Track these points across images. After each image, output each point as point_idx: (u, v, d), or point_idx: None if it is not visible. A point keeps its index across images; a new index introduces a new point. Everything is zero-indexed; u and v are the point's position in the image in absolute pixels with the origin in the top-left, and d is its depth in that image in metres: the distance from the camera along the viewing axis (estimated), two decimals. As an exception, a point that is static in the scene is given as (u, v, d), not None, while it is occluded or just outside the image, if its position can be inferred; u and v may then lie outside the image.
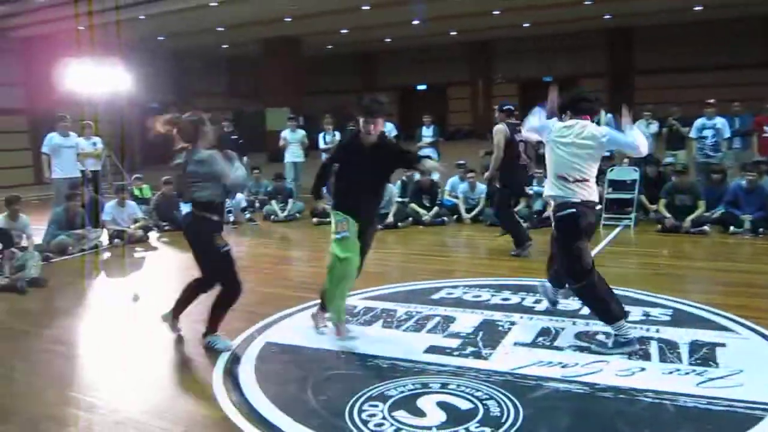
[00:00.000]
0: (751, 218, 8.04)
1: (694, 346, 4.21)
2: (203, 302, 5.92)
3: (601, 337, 4.44)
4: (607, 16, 22.86)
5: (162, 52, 24.80)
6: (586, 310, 5.02)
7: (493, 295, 5.59)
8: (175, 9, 16.80)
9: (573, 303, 5.20)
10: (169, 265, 8.04)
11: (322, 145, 12.05)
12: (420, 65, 31.57)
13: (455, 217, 9.83)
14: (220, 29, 20.85)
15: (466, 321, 4.92)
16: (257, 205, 11.33)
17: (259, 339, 4.72)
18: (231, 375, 4.07)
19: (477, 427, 3.25)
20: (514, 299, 5.45)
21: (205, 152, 4.46)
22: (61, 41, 18.18)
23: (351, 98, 31.49)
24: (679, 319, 4.80)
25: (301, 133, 12.15)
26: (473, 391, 3.65)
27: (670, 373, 3.83)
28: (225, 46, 25.32)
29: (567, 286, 4.67)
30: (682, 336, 4.41)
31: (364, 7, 17.88)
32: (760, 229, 7.95)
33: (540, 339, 4.49)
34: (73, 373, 4.43)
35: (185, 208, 8.41)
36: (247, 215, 10.56)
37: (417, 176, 9.98)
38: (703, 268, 6.98)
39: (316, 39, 24.29)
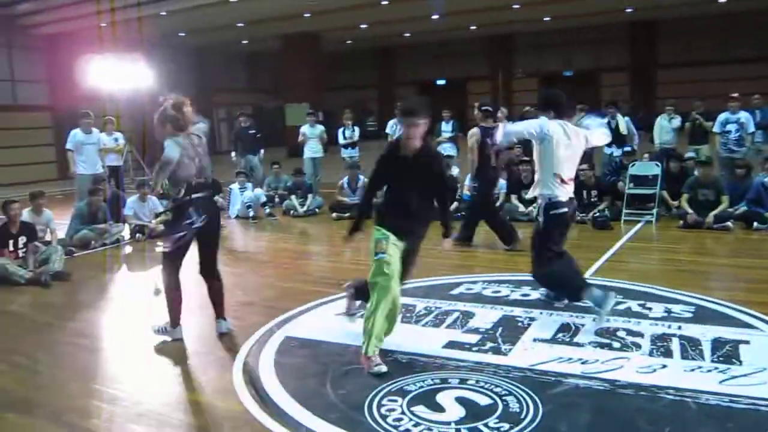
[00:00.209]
0: (775, 214, 7.91)
1: (717, 344, 4.16)
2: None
3: (621, 333, 4.41)
4: (629, 9, 22.59)
5: (183, 48, 25.00)
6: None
7: (512, 291, 5.56)
8: (195, 5, 16.90)
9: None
10: (189, 260, 8.09)
11: (341, 140, 12.07)
12: (439, 60, 31.47)
13: (474, 212, 9.78)
14: (240, 25, 20.95)
15: (486, 316, 4.90)
16: (277, 200, 11.37)
17: (278, 333, 4.75)
18: (251, 369, 4.11)
19: (496, 423, 3.24)
20: (534, 295, 5.42)
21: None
22: (84, 38, 18.41)
23: (370, 93, 31.64)
24: (702, 316, 4.74)
25: (320, 128, 12.17)
26: (492, 386, 3.64)
27: (692, 370, 3.79)
28: (245, 42, 25.44)
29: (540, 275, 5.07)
30: (705, 333, 4.35)
31: (383, 2, 17.87)
32: (785, 226, 7.83)
33: (560, 335, 4.46)
34: (96, 366, 4.49)
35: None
36: (267, 210, 10.61)
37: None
38: (726, 264, 6.89)
39: (335, 34, 24.32)
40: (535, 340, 4.39)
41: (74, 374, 4.27)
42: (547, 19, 23.83)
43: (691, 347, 4.13)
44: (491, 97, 30.40)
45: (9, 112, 18.74)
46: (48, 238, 7.56)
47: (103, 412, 3.68)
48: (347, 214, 10.10)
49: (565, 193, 4.82)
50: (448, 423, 3.26)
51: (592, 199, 9.03)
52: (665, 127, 10.75)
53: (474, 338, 4.45)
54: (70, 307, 6.07)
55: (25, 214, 7.47)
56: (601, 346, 4.22)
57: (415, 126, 3.97)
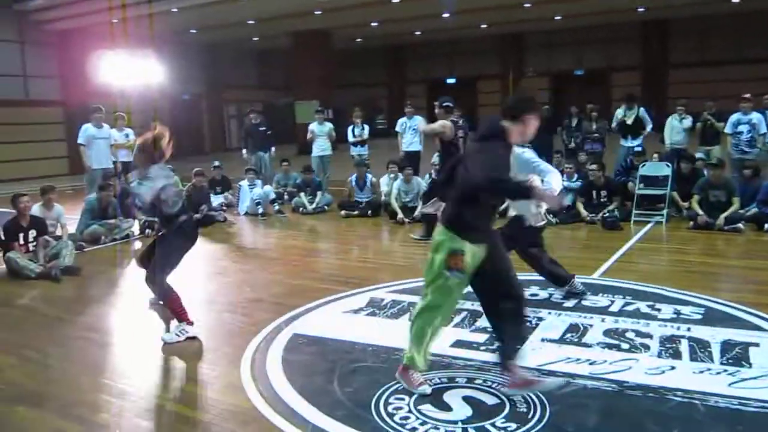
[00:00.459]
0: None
1: (726, 346, 4.14)
2: (228, 293, 6.01)
3: (630, 334, 4.39)
4: (641, 9, 22.45)
5: (194, 44, 25.08)
6: (615, 308, 4.98)
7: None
8: (206, 2, 16.94)
9: (602, 299, 5.17)
10: (198, 255, 8.13)
11: (351, 138, 12.07)
12: (450, 58, 31.43)
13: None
14: (250, 22, 20.97)
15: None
16: (286, 197, 11.40)
17: (286, 330, 4.76)
18: (258, 365, 4.12)
19: (503, 423, 3.24)
20: (542, 294, 5.41)
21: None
22: (96, 34, 18.51)
23: (380, 91, 31.58)
24: (711, 318, 4.71)
25: (329, 126, 12.18)
26: (500, 386, 3.64)
27: (701, 372, 3.77)
28: (256, 39, 25.47)
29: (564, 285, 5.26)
30: (714, 335, 4.33)
31: (394, 0, 17.82)
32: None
33: (568, 335, 4.45)
34: (105, 360, 4.52)
35: (216, 200, 8.73)
36: (276, 207, 10.64)
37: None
38: (736, 266, 6.85)
39: (346, 32, 24.31)
40: (543, 340, 4.38)
41: (84, 368, 4.30)
42: (559, 17, 23.71)
43: (700, 349, 4.11)
44: (501, 96, 30.42)
45: (21, 107, 18.86)
46: (59, 232, 7.61)
47: (112, 406, 3.70)
48: (356, 212, 10.12)
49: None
50: (455, 422, 3.27)
51: (602, 200, 8.99)
52: (676, 127, 10.69)
53: (482, 337, 4.44)
54: (81, 301, 6.11)
55: (36, 209, 7.52)
56: (610, 347, 4.21)
57: (526, 125, 3.47)
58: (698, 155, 9.86)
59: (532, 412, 3.33)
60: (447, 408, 3.41)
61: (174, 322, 4.74)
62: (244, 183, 10.92)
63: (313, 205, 10.71)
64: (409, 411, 3.39)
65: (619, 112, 10.94)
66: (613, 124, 11.14)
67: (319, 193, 10.91)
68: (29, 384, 4.06)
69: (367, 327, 4.80)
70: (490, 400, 3.48)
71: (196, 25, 21.53)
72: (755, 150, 9.59)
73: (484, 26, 25.78)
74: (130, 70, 15.31)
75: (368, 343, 4.43)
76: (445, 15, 21.22)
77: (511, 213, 5.23)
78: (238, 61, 27.98)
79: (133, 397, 3.79)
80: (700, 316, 4.76)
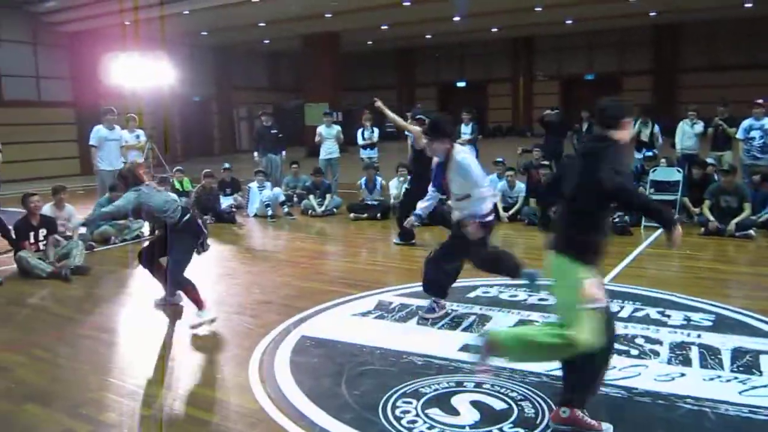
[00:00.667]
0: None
1: (737, 353, 4.10)
2: (237, 294, 6.02)
3: (640, 341, 4.37)
4: (653, 13, 22.37)
5: (204, 46, 25.20)
6: (624, 313, 4.96)
7: (530, 295, 5.53)
8: (218, 4, 17.01)
9: (611, 305, 5.13)
10: (208, 257, 8.15)
11: (360, 141, 12.07)
12: (460, 62, 31.44)
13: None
14: (261, 25, 21.05)
15: (502, 320, 4.89)
16: (295, 199, 11.41)
17: (294, 332, 4.77)
18: (266, 367, 4.12)
19: (511, 428, 3.23)
20: (552, 300, 5.37)
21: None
22: (108, 36, 18.63)
23: (390, 95, 31.66)
24: (722, 325, 4.68)
25: (337, 128, 12.19)
26: (508, 391, 3.63)
27: (711, 379, 3.74)
28: (266, 41, 25.57)
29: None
30: (725, 342, 4.30)
31: (404, 3, 17.85)
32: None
33: (577, 341, 4.42)
34: (114, 360, 4.54)
35: (225, 202, 8.98)
36: (285, 209, 10.66)
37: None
38: (747, 272, 6.79)
39: (356, 35, 24.36)
40: (551, 345, 4.36)
41: (93, 368, 4.32)
42: (570, 21, 23.68)
43: (710, 356, 4.08)
44: (512, 100, 30.40)
45: (33, 108, 19.00)
46: (69, 233, 7.66)
47: (120, 406, 3.71)
48: (365, 215, 10.13)
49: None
50: (463, 427, 3.26)
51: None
52: (687, 132, 10.63)
53: (490, 342, 4.43)
54: (90, 301, 6.14)
55: (47, 209, 7.58)
56: (619, 353, 4.17)
57: (623, 127, 3.22)
58: (709, 160, 9.80)
59: (540, 418, 3.31)
60: (455, 412, 3.40)
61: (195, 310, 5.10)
62: (254, 185, 10.95)
63: (323, 208, 10.72)
64: (417, 415, 3.38)
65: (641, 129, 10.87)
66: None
67: (328, 196, 10.92)
68: (38, 383, 4.08)
69: (375, 330, 4.80)
70: (498, 405, 3.47)
71: (208, 28, 21.63)
72: (767, 156, 9.51)
73: (495, 30, 25.78)
74: (142, 72, 15.38)
75: (376, 346, 4.43)
76: (456, 18, 21.23)
77: (456, 216, 4.99)
78: (249, 63, 28.09)
79: (141, 397, 3.80)
80: (710, 323, 4.73)
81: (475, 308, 5.21)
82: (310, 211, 10.71)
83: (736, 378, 3.74)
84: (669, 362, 4.01)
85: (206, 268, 6.75)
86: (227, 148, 26.59)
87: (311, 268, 7.22)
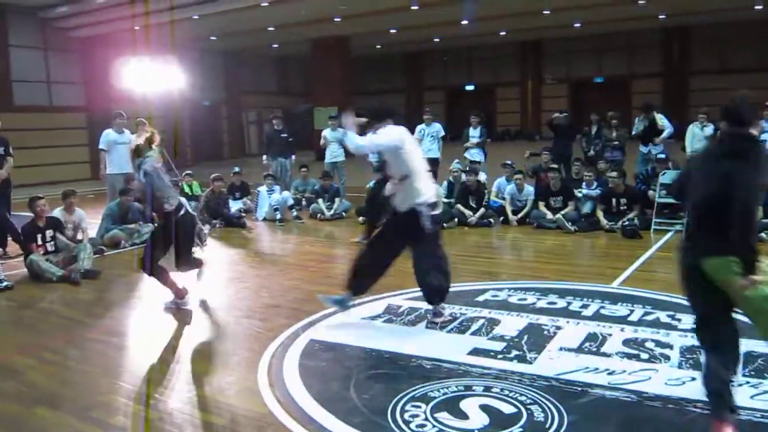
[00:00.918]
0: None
1: (749, 357, 4.06)
2: (246, 298, 6.03)
3: (650, 344, 4.34)
4: (662, 16, 22.28)
5: (214, 51, 25.31)
6: (634, 317, 4.93)
7: (539, 299, 5.51)
8: (227, 9, 17.10)
9: (621, 308, 5.11)
10: (218, 261, 8.17)
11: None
12: (468, 65, 31.43)
13: (501, 218, 9.73)
14: (270, 29, 21.13)
15: (511, 324, 4.87)
16: (304, 203, 11.43)
17: (303, 336, 4.77)
18: (275, 371, 4.13)
19: (520, 432, 3.21)
20: (561, 303, 5.36)
21: None
22: (119, 41, 18.73)
23: (399, 98, 31.64)
24: (733, 329, 4.63)
25: (341, 131, 12.18)
26: (517, 395, 3.61)
27: (723, 384, 3.70)
28: (275, 46, 25.65)
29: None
30: (736, 346, 4.25)
31: (413, 7, 17.86)
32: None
33: (586, 344, 4.40)
34: (123, 364, 4.55)
35: (235, 206, 9.13)
36: (294, 213, 10.68)
37: (464, 177, 9.92)
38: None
39: (365, 39, 24.41)
40: (561, 349, 4.34)
41: (102, 371, 4.34)
42: (578, 24, 23.63)
43: (721, 360, 4.04)
44: (520, 103, 30.36)
45: (45, 113, 19.12)
46: (79, 236, 7.70)
47: (129, 409, 3.72)
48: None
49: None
50: (472, 431, 3.24)
51: (621, 207, 8.91)
52: (697, 135, 10.58)
53: (499, 346, 4.42)
54: (100, 304, 6.17)
55: (57, 213, 7.64)
56: (629, 356, 4.16)
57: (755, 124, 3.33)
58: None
59: (549, 422, 3.30)
60: (464, 416, 3.39)
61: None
62: (263, 189, 10.97)
63: (331, 212, 10.73)
64: (426, 419, 3.37)
65: (638, 125, 10.96)
66: (633, 132, 11.12)
67: (337, 200, 10.93)
68: (48, 386, 4.10)
69: (384, 334, 4.80)
70: (508, 409, 3.45)
71: (217, 32, 21.74)
72: (779, 158, 9.44)
73: (503, 33, 25.76)
74: (152, 77, 15.47)
75: (385, 349, 4.42)
76: (464, 22, 21.23)
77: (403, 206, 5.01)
78: (258, 68, 28.20)
79: (150, 401, 3.81)
80: (721, 327, 4.68)
81: (484, 312, 5.19)
82: (318, 215, 10.72)
83: (747, 382, 3.71)
84: (680, 366, 3.98)
85: (215, 271, 6.77)
86: (236, 152, 26.68)
87: (320, 271, 7.23)
